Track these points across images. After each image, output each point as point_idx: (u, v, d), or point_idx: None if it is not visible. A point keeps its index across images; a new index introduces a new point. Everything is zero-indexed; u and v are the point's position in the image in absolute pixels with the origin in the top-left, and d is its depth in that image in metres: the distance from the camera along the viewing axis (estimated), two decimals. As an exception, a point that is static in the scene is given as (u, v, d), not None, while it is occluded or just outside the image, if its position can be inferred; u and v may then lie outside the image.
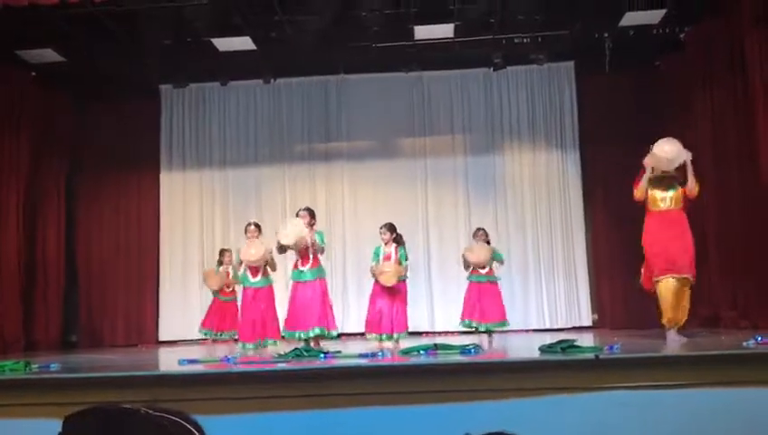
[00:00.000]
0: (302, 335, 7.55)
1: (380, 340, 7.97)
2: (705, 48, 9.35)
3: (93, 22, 8.89)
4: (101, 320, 11.36)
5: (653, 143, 6.70)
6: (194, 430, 0.95)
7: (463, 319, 9.23)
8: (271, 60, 10.53)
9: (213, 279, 10.09)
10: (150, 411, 0.94)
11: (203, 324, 10.22)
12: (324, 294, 7.82)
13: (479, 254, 9.12)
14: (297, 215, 8.06)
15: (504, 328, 9.30)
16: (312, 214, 8.00)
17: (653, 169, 6.65)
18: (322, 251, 7.92)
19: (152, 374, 4.56)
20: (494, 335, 9.16)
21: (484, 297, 9.10)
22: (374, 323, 8.08)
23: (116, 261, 11.46)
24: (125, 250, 11.52)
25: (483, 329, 9.15)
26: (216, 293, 10.15)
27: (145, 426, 0.92)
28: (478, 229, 9.54)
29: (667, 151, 6.52)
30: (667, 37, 9.96)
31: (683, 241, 6.58)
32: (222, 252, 10.35)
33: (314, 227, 7.98)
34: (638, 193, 6.74)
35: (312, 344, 7.19)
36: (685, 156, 6.55)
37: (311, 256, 7.80)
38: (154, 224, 11.64)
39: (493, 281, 9.23)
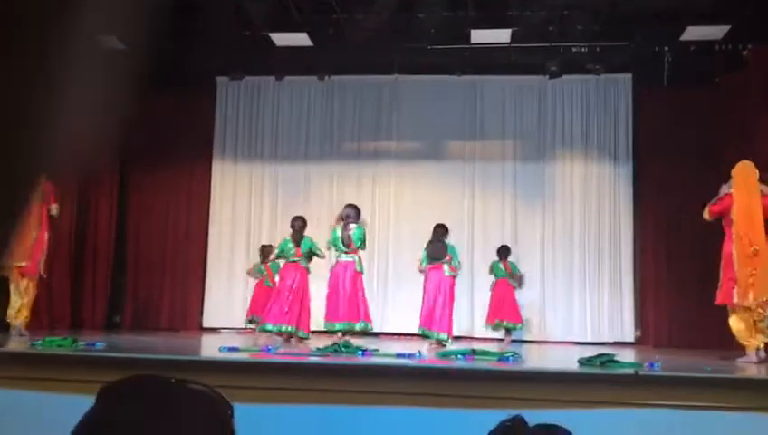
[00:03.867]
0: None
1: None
2: (767, 67, 9.13)
3: (155, 11, 9.06)
4: (147, 303, 11.58)
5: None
6: (226, 407, 0.97)
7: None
8: (326, 57, 10.62)
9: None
10: (191, 383, 0.96)
11: (249, 313, 10.37)
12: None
13: None
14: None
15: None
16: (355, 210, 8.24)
17: None
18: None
19: (193, 359, 4.64)
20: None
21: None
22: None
23: (165, 247, 11.66)
24: (174, 237, 11.72)
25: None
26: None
27: (184, 397, 0.94)
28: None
29: None
30: (728, 54, 9.75)
31: None
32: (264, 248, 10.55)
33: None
34: None
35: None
36: None
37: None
38: (204, 213, 11.82)
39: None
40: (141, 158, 11.68)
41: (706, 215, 6.92)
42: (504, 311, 10.02)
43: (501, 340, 10.10)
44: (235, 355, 5.24)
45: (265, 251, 10.52)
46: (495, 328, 10.09)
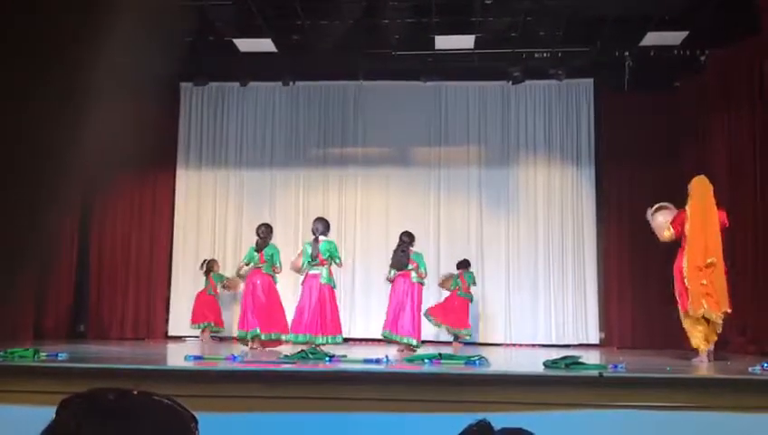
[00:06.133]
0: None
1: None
2: (724, 72, 9.33)
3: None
4: (111, 312, 11.42)
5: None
6: (189, 419, 0.97)
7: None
8: (291, 63, 10.60)
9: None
10: (153, 396, 0.96)
11: (193, 320, 10.51)
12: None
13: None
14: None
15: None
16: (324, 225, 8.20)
17: None
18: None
19: (159, 368, 4.60)
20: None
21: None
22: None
23: (128, 255, 11.52)
24: (138, 245, 11.57)
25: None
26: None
27: (146, 410, 0.94)
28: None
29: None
30: (687, 59, 9.95)
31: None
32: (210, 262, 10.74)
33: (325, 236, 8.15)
34: None
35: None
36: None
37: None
38: (168, 220, 11.70)
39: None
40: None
41: (666, 237, 7.06)
42: (450, 317, 10.04)
43: (449, 342, 10.09)
44: (200, 364, 5.21)
45: (209, 265, 10.63)
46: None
